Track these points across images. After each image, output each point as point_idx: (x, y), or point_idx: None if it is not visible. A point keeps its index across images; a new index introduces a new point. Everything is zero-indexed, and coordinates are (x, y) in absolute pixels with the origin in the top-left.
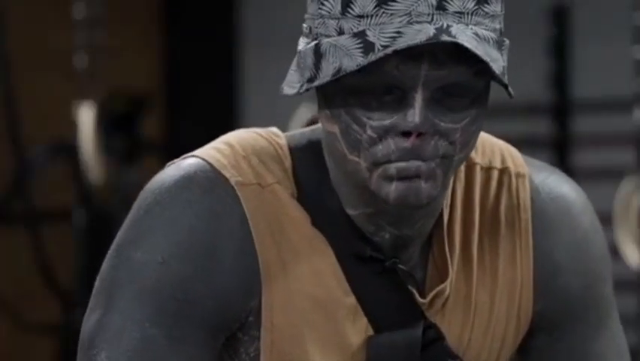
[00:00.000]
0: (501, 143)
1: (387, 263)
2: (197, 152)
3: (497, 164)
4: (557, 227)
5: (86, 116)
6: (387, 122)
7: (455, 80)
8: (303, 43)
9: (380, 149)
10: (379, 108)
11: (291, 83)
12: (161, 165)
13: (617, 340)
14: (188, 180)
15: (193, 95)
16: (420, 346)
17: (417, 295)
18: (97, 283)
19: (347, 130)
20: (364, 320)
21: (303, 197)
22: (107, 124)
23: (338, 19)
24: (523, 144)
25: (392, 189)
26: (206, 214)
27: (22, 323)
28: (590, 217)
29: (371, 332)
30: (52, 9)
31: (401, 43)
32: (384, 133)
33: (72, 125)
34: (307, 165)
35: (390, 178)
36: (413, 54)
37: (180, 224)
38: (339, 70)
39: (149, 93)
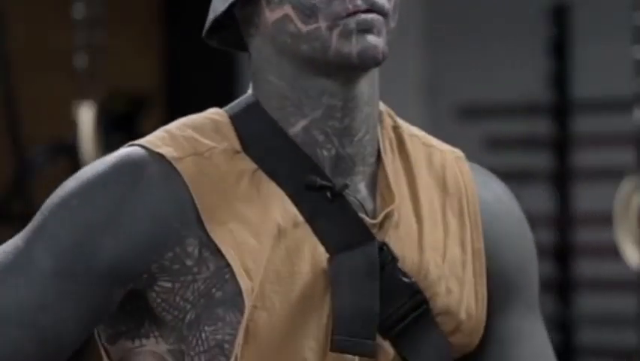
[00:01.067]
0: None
1: (338, 188)
2: (138, 140)
3: (437, 146)
4: (494, 209)
5: (86, 116)
6: None
7: None
8: None
9: (337, 4)
10: None
11: (216, 10)
12: None
13: (544, 328)
14: (121, 160)
15: (193, 95)
16: (378, 263)
17: (368, 218)
18: None
19: (300, 1)
20: (322, 248)
21: (248, 148)
22: (107, 124)
23: None
24: (523, 144)
25: (353, 45)
26: (131, 182)
27: None
28: (517, 204)
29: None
30: (52, 9)
31: None
32: None
33: (72, 125)
34: (248, 121)
35: (349, 34)
36: None
37: (103, 184)
38: None
39: (149, 93)
